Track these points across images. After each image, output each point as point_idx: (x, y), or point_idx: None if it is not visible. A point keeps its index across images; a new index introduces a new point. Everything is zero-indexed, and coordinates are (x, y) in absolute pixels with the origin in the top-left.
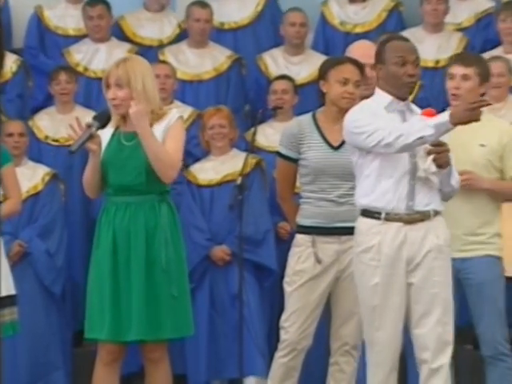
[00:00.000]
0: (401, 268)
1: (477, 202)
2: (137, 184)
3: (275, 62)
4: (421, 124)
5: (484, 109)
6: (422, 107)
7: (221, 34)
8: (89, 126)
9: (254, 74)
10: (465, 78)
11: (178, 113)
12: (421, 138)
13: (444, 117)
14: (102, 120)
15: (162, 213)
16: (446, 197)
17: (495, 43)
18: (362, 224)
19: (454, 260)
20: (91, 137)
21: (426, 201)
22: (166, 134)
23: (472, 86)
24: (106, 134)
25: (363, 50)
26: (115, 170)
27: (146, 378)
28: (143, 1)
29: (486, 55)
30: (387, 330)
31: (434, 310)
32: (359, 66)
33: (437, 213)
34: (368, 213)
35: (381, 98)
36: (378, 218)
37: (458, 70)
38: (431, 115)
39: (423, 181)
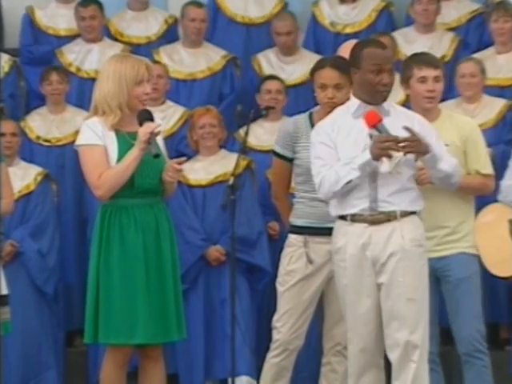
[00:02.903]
0: (367, 268)
1: (449, 202)
2: (158, 187)
3: (269, 62)
4: (346, 169)
5: (441, 105)
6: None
7: (231, 26)
8: (152, 133)
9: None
10: None
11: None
12: (349, 182)
13: (365, 156)
14: (151, 117)
15: (168, 213)
16: (444, 183)
17: (488, 43)
18: (336, 225)
19: (430, 259)
20: (157, 134)
21: (390, 201)
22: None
23: None
24: (110, 139)
25: None
26: (141, 173)
27: (142, 375)
28: (127, 1)
29: (479, 55)
30: (358, 331)
31: (400, 312)
32: (341, 68)
33: (406, 213)
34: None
35: (351, 102)
36: (346, 219)
37: None
38: (375, 118)
39: (385, 181)
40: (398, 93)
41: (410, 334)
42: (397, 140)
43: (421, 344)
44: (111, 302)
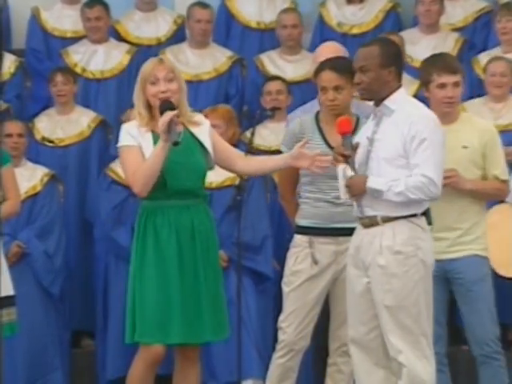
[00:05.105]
0: (361, 270)
1: (462, 204)
2: (196, 188)
3: (273, 62)
4: None
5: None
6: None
7: (246, 32)
8: (170, 121)
9: (253, 75)
10: None
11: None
12: None
13: None
14: (172, 107)
15: (211, 215)
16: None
17: (496, 42)
18: None
19: (442, 261)
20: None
21: (372, 206)
22: (212, 137)
23: None
24: (146, 140)
25: (332, 50)
26: (174, 174)
27: (178, 376)
28: (134, 2)
29: (486, 54)
30: (356, 329)
31: (380, 319)
32: (339, 70)
33: (389, 218)
34: None
35: None
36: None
37: None
38: (344, 128)
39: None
40: None
41: (389, 339)
42: (347, 158)
43: (402, 348)
44: (146, 302)
